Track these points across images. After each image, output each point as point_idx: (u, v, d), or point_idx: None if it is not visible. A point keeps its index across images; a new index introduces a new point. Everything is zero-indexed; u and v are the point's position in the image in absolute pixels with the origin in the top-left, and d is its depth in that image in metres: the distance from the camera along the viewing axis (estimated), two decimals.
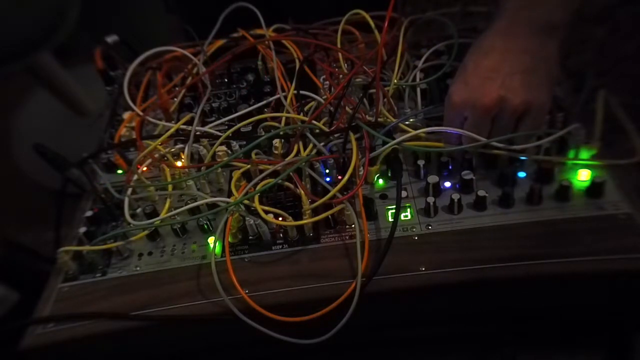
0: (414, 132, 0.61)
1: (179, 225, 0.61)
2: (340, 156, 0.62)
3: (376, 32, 0.72)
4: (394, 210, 0.58)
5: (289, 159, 0.62)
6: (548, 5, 0.54)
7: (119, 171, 0.71)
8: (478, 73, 0.54)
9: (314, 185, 0.63)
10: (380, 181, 0.63)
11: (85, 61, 0.86)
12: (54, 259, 0.61)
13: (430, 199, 0.58)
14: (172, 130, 0.68)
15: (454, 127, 0.57)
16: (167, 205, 0.63)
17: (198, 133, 0.68)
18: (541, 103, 0.54)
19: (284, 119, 0.68)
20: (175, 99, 0.76)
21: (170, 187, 0.65)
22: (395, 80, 0.69)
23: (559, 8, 0.54)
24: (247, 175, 0.65)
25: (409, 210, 0.59)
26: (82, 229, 0.63)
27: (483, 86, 0.53)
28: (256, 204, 0.58)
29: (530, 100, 0.53)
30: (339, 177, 0.61)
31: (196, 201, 0.61)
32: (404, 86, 0.69)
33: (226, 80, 0.80)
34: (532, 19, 0.54)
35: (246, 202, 0.59)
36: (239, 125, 0.68)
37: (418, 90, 0.68)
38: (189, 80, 0.77)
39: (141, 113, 0.72)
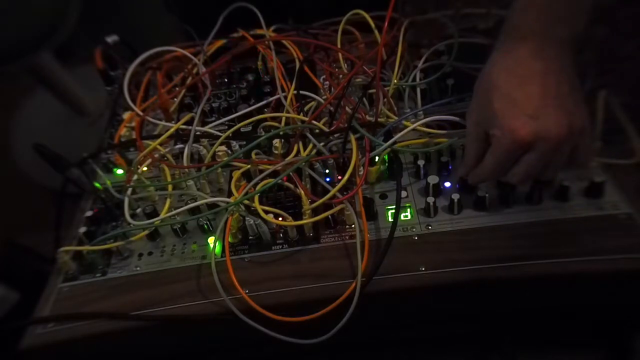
0: (411, 126, 0.61)
1: (179, 225, 0.61)
2: (340, 156, 0.62)
3: (376, 32, 0.72)
4: (394, 210, 0.58)
5: (289, 159, 0.62)
6: (573, 20, 0.51)
7: (119, 171, 0.71)
8: (533, 102, 0.48)
9: (314, 185, 0.63)
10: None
11: (85, 61, 0.86)
12: (54, 259, 0.61)
13: (430, 199, 0.58)
14: (172, 130, 0.68)
15: (505, 168, 0.51)
16: (167, 205, 0.63)
17: (198, 133, 0.68)
18: (588, 122, 0.50)
19: (284, 119, 0.68)
20: (175, 99, 0.76)
21: (170, 187, 0.65)
22: (395, 80, 0.69)
23: (580, 20, 0.51)
24: (247, 175, 0.65)
25: (409, 210, 0.59)
26: (82, 229, 0.63)
27: (548, 116, 0.48)
28: (256, 204, 0.58)
29: (584, 123, 0.49)
30: (339, 177, 0.61)
31: (196, 201, 0.61)
32: (404, 86, 0.69)
33: (226, 80, 0.80)
34: (562, 37, 0.50)
35: (246, 202, 0.59)
36: (239, 125, 0.68)
37: (418, 90, 0.68)
38: (189, 80, 0.77)
39: (141, 113, 0.72)
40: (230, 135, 0.67)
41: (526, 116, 0.48)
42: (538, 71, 0.49)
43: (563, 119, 0.47)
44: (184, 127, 0.69)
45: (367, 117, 0.65)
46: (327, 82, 0.72)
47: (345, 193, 0.57)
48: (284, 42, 0.78)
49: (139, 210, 0.65)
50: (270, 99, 0.72)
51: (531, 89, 0.49)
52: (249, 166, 0.64)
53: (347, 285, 0.52)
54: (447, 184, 0.61)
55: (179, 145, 0.69)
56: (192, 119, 0.71)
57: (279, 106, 0.71)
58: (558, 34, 0.51)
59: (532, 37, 0.51)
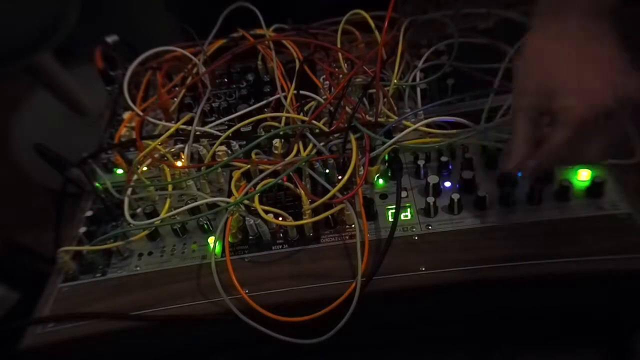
0: (412, 127, 0.61)
1: (179, 225, 0.61)
2: (340, 156, 0.62)
3: (376, 32, 0.72)
4: (394, 210, 0.58)
5: (289, 159, 0.62)
6: None
7: (119, 171, 0.71)
8: (605, 66, 0.46)
9: (314, 185, 0.63)
10: (381, 181, 0.63)
11: (85, 61, 0.86)
12: (54, 259, 0.61)
13: (430, 199, 0.58)
14: (172, 130, 0.68)
15: (576, 145, 0.46)
16: (167, 205, 0.63)
17: (198, 133, 0.68)
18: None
19: (284, 119, 0.68)
20: (175, 99, 0.76)
21: (170, 187, 0.65)
22: (395, 80, 0.69)
23: None
24: (247, 175, 0.65)
25: (409, 210, 0.59)
26: (82, 229, 0.63)
27: (626, 79, 0.44)
28: (256, 204, 0.58)
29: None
30: (339, 177, 0.61)
31: (196, 201, 0.61)
32: (404, 86, 0.69)
33: (226, 80, 0.80)
34: (602, 8, 0.48)
35: (246, 202, 0.59)
36: (239, 125, 0.68)
37: (418, 90, 0.68)
38: (189, 80, 0.77)
39: (141, 113, 0.72)
40: (230, 135, 0.67)
41: (603, 80, 0.45)
42: (597, 35, 0.47)
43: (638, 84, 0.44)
44: (183, 127, 0.69)
45: (367, 117, 0.65)
46: (327, 82, 0.72)
47: (345, 193, 0.57)
48: (284, 42, 0.78)
49: (139, 210, 0.65)
50: (270, 99, 0.72)
51: (598, 52, 0.46)
52: (249, 166, 0.64)
53: (347, 285, 0.52)
54: (447, 184, 0.61)
55: (179, 145, 0.70)
56: (192, 118, 0.71)
57: (279, 106, 0.71)
58: (601, 4, 0.48)
59: (576, 6, 0.48)
